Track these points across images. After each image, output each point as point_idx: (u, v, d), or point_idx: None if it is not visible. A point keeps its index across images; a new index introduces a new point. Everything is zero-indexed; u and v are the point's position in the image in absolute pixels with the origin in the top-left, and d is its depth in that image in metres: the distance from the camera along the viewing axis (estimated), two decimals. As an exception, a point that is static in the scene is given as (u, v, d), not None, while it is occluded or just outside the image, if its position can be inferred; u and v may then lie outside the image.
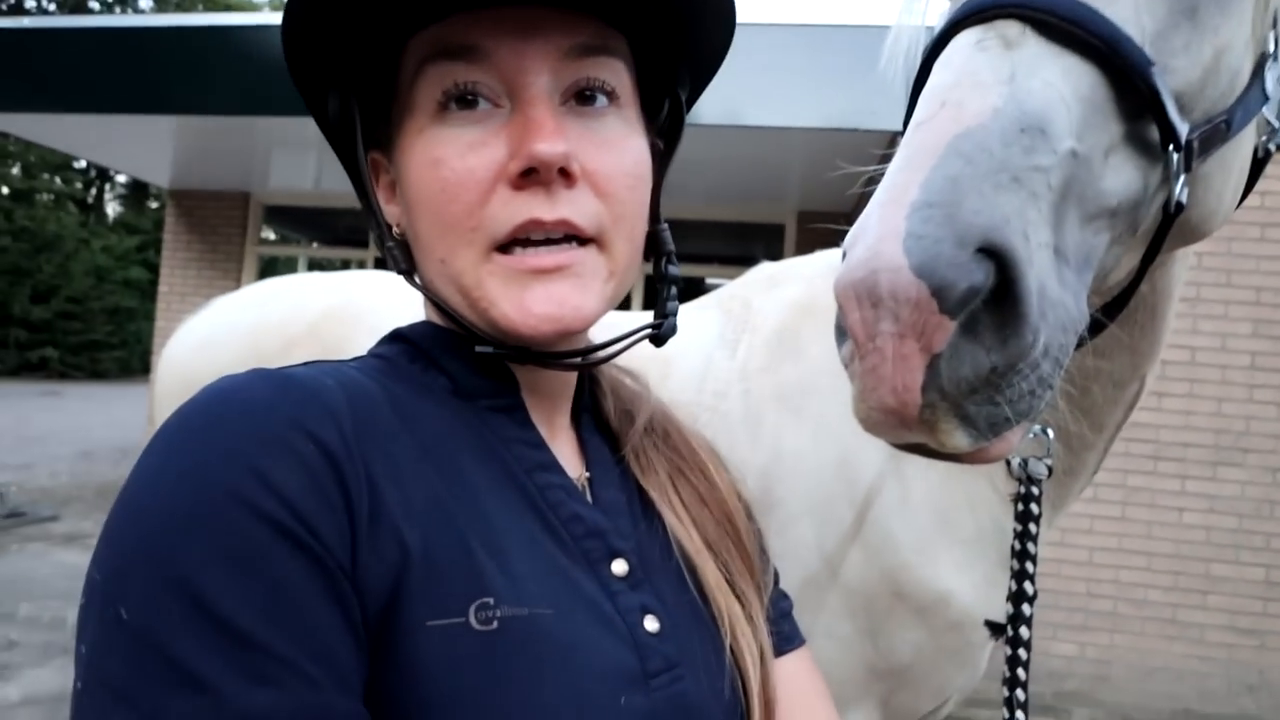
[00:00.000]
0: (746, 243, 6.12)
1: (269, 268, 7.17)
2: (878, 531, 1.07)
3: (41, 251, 21.37)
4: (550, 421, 0.52)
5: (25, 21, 4.93)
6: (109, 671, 0.32)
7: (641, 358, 1.33)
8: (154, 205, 27.05)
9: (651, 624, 0.46)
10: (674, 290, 0.54)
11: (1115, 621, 3.42)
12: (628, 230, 0.48)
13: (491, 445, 0.47)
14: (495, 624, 0.39)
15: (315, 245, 8.46)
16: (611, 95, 0.47)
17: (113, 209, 29.41)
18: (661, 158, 0.53)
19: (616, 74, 0.47)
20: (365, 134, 0.50)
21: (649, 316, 0.55)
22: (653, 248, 0.53)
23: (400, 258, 0.49)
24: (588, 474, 0.52)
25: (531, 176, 0.43)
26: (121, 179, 27.82)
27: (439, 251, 0.45)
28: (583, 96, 0.46)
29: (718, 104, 3.90)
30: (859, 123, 3.67)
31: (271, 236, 6.47)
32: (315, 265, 7.38)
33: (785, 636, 0.58)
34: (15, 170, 24.75)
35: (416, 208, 0.46)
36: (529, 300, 0.44)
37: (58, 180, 26.43)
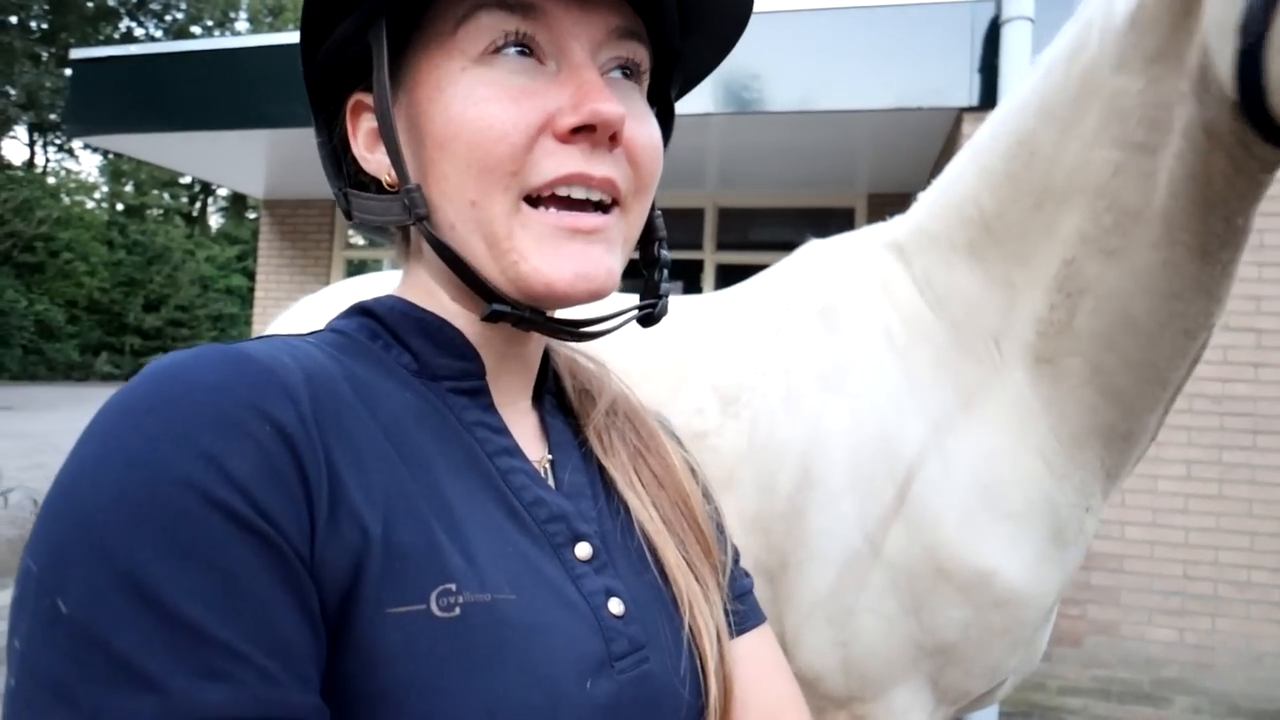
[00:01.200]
0: (818, 228, 6.04)
1: (357, 271, 7.51)
2: (920, 507, 1.06)
3: (152, 263, 22.91)
4: (513, 404, 0.51)
5: (134, 49, 5.29)
6: (46, 668, 0.30)
7: (688, 340, 1.36)
8: (251, 216, 28.53)
9: (616, 607, 0.45)
10: (665, 273, 0.53)
11: (1216, 605, 3.26)
12: (644, 201, 0.48)
13: (454, 428, 0.45)
14: (458, 610, 0.38)
15: (398, 248, 8.69)
16: (639, 77, 0.47)
17: (215, 221, 31.17)
18: None
19: (644, 59, 0.48)
20: (360, 72, 0.47)
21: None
22: (647, 230, 0.52)
23: (420, 201, 0.45)
24: (550, 457, 0.51)
25: (582, 134, 0.42)
26: (222, 192, 29.46)
27: (470, 193, 0.43)
28: (620, 71, 0.46)
29: (787, 91, 3.89)
30: (924, 102, 3.60)
31: (359, 241, 6.78)
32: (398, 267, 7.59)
33: (746, 615, 0.57)
34: (129, 188, 26.60)
35: (449, 145, 0.43)
36: (564, 258, 0.43)
37: (166, 196, 28.22)
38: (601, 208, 0.45)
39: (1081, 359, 1.02)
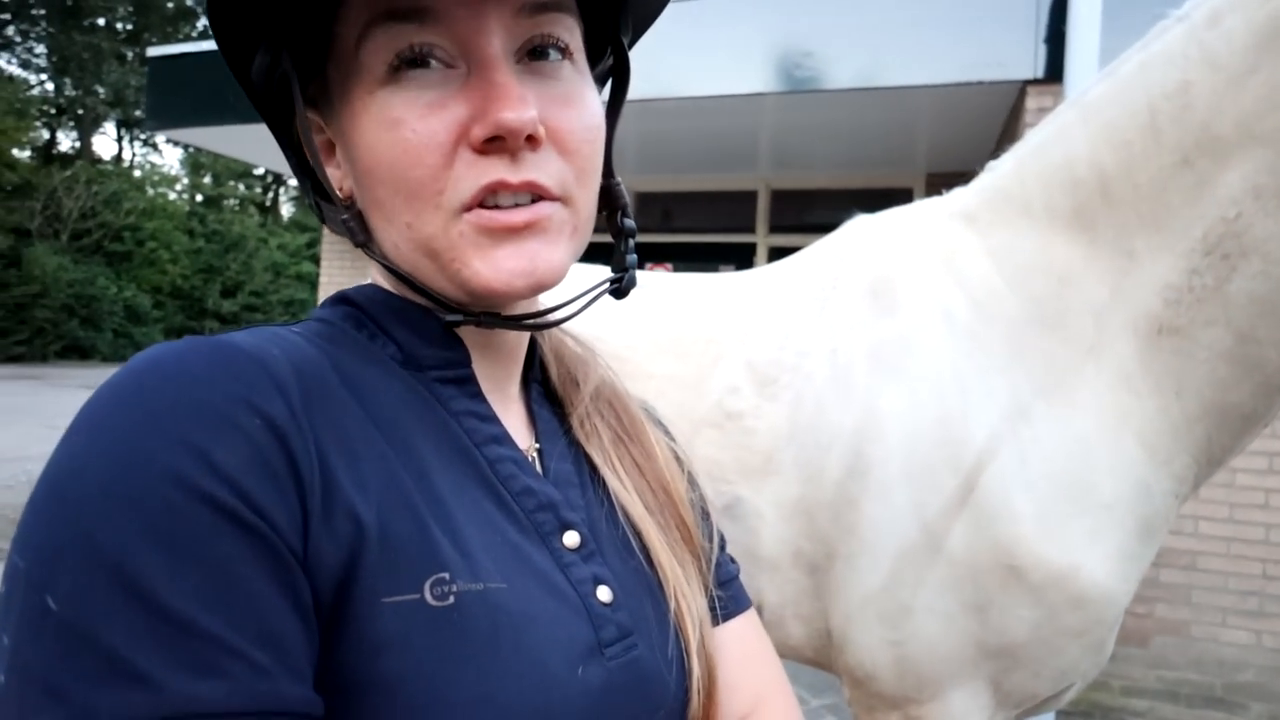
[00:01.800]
0: (874, 209, 5.89)
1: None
2: (990, 499, 0.99)
3: (229, 251, 23.95)
4: (501, 391, 0.51)
5: (207, 45, 5.49)
6: (35, 665, 0.30)
7: (722, 317, 1.31)
8: (320, 205, 29.35)
9: (604, 594, 0.46)
10: (631, 243, 0.52)
11: (1298, 608, 3.07)
12: (589, 186, 0.47)
13: (442, 418, 0.45)
14: (451, 599, 0.38)
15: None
16: (565, 50, 0.45)
17: (286, 210, 32.37)
18: (610, 108, 0.51)
19: (568, 29, 0.45)
20: (291, 98, 0.46)
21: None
22: (607, 201, 0.51)
23: (357, 229, 0.46)
24: (537, 445, 0.51)
25: (496, 143, 0.41)
26: (292, 182, 30.44)
27: (405, 216, 0.43)
28: (537, 53, 0.44)
29: (843, 68, 3.78)
30: (986, 75, 3.44)
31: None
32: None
33: (731, 601, 0.58)
34: (207, 180, 27.83)
35: (374, 173, 0.43)
36: (501, 258, 0.43)
37: (241, 187, 29.50)
38: (544, 199, 0.44)
39: (1224, 328, 0.95)
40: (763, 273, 1.35)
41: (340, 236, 0.50)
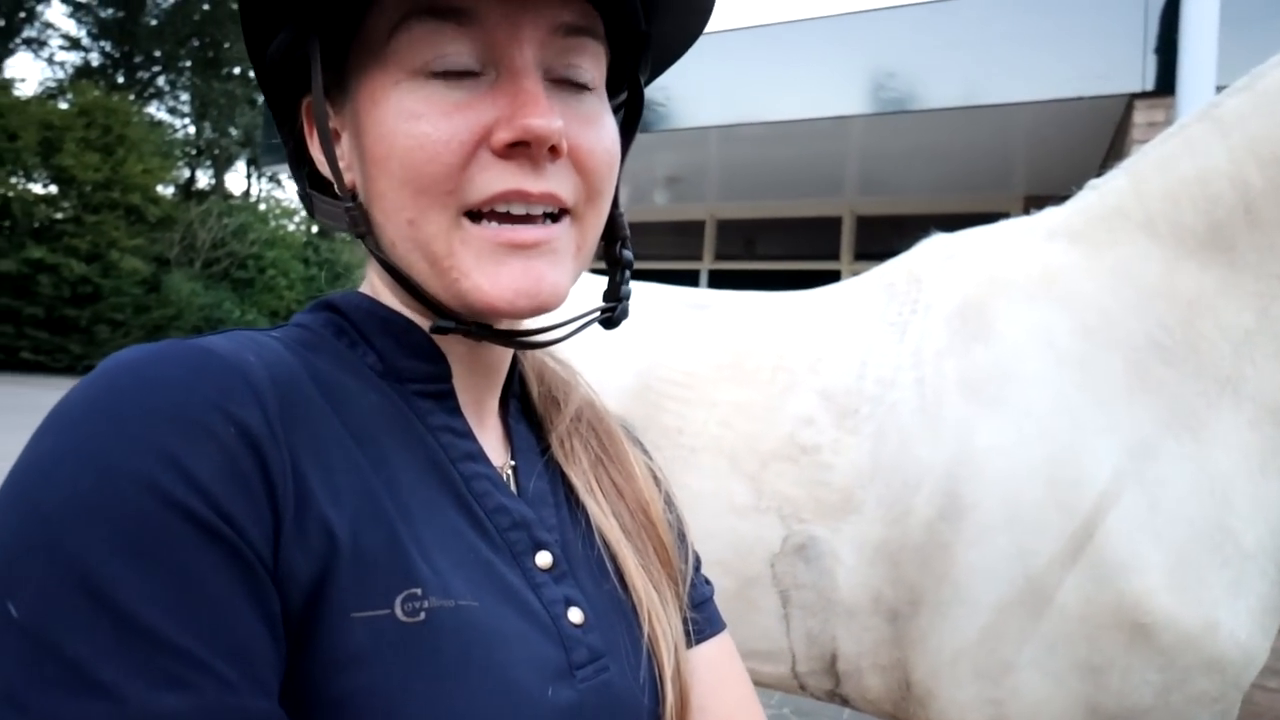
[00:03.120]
0: (970, 235, 5.65)
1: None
2: (1113, 548, 0.90)
3: (339, 278, 25.53)
4: (479, 406, 0.51)
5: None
6: None
7: (785, 341, 1.26)
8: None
9: (575, 616, 0.45)
10: (627, 274, 0.53)
11: None
12: (599, 208, 0.47)
13: (418, 432, 0.45)
14: (423, 615, 0.37)
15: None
16: (590, 79, 0.46)
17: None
18: (621, 141, 0.51)
19: (595, 56, 0.46)
20: (303, 82, 0.47)
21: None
22: (609, 230, 0.51)
23: (359, 219, 0.45)
24: (513, 463, 0.51)
25: (519, 149, 0.41)
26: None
27: (408, 212, 0.43)
28: (566, 75, 0.44)
29: (934, 87, 3.65)
30: (1089, 89, 3.23)
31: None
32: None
33: (705, 623, 0.57)
34: (322, 213, 29.94)
35: (384, 163, 0.42)
36: (505, 275, 0.42)
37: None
38: (550, 217, 0.44)
39: None
40: (828, 294, 1.29)
41: (332, 229, 0.49)
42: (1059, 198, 1.18)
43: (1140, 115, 3.18)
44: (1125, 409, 0.95)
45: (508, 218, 0.43)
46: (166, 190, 23.30)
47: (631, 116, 0.53)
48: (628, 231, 0.53)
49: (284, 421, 0.36)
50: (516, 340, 0.48)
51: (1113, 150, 3.72)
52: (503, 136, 0.41)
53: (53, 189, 18.78)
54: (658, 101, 4.51)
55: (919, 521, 1.00)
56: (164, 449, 0.32)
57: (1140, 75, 3.19)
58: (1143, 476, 0.91)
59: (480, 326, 0.46)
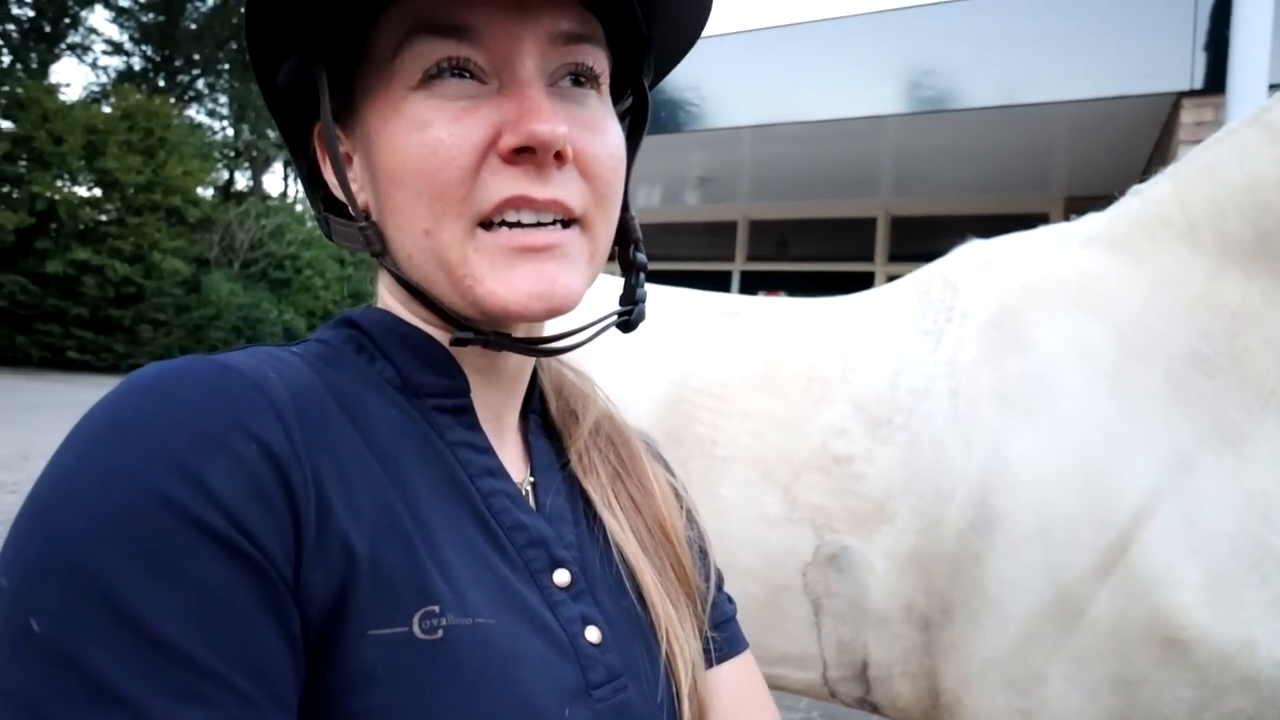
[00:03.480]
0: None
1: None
2: (1148, 563, 0.89)
3: (373, 279, 26.00)
4: (499, 421, 0.51)
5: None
6: (17, 686, 0.29)
7: (817, 350, 1.24)
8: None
9: (593, 635, 0.45)
10: (642, 277, 0.53)
11: None
12: (608, 213, 0.47)
13: (437, 447, 0.45)
14: (440, 633, 0.37)
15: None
16: (594, 80, 0.46)
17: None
18: (629, 145, 0.51)
19: (598, 62, 0.46)
20: (313, 108, 0.48)
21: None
22: (622, 234, 0.51)
23: (374, 238, 0.46)
24: (532, 479, 0.51)
25: (525, 155, 0.42)
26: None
27: (424, 222, 0.43)
28: (568, 79, 0.45)
29: (974, 86, 3.59)
30: (1135, 88, 3.15)
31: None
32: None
33: (727, 643, 0.57)
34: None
35: (398, 175, 0.43)
36: (518, 278, 0.43)
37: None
38: (560, 224, 0.45)
39: None
40: (861, 301, 1.28)
41: (349, 250, 0.50)
42: (1101, 198, 1.16)
43: (1188, 114, 3.09)
44: (1163, 421, 0.93)
45: (518, 225, 0.43)
46: (206, 192, 23.81)
47: (638, 120, 0.53)
48: (640, 234, 0.53)
49: (305, 438, 0.37)
50: (535, 348, 0.48)
51: (1158, 150, 3.63)
52: (509, 141, 0.41)
53: (97, 192, 19.28)
54: (690, 102, 4.49)
55: (951, 531, 1.00)
56: (185, 466, 0.32)
57: (1189, 73, 3.11)
58: (1180, 491, 0.90)
59: (498, 335, 0.46)
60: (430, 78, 0.42)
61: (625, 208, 0.51)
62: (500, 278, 0.43)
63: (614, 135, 0.47)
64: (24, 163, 17.99)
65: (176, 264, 19.46)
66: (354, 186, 0.47)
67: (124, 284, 18.70)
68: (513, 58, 0.43)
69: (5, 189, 17.76)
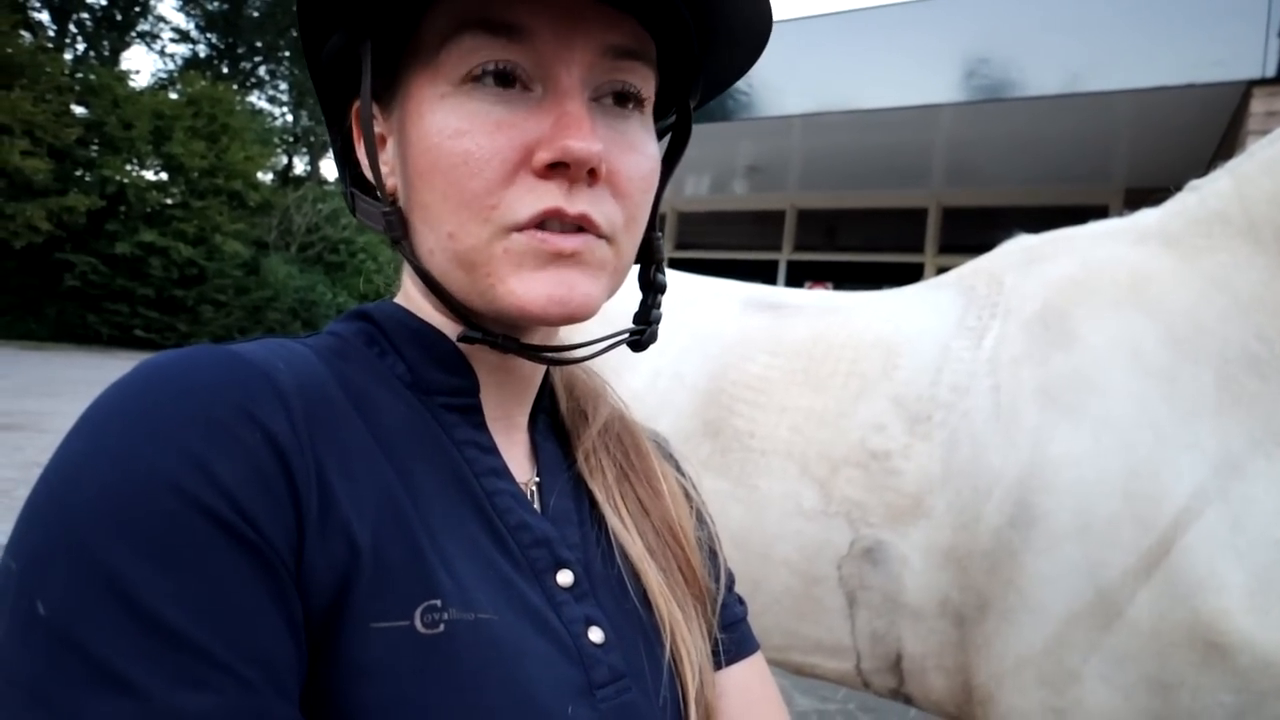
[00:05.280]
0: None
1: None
2: (1191, 565, 0.88)
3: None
4: (508, 421, 0.51)
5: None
6: (22, 669, 0.30)
7: (859, 346, 1.23)
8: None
9: (596, 635, 0.45)
10: (659, 299, 0.53)
11: None
12: (634, 233, 0.47)
13: (443, 444, 0.45)
14: (442, 627, 0.37)
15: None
16: (638, 101, 0.45)
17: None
18: (665, 165, 0.51)
19: (645, 80, 0.46)
20: (354, 84, 0.47)
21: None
22: (644, 254, 0.51)
23: (396, 224, 0.46)
24: (537, 479, 0.51)
25: (559, 169, 0.41)
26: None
27: (449, 225, 0.43)
28: (613, 97, 0.45)
29: (1032, 74, 3.50)
30: (1202, 76, 3.03)
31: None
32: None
33: (736, 644, 0.56)
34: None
35: (428, 176, 0.43)
36: (540, 281, 0.42)
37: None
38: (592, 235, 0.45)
39: None
40: (905, 295, 1.27)
41: (369, 229, 0.51)
42: (1164, 191, 1.12)
43: (1259, 104, 2.96)
44: (1213, 423, 0.92)
45: (546, 229, 0.43)
46: (265, 177, 24.43)
47: (678, 139, 0.53)
48: (663, 255, 0.53)
49: (310, 429, 0.37)
50: (542, 355, 0.48)
51: (1226, 141, 3.49)
52: (543, 157, 0.41)
53: (163, 176, 19.95)
54: (740, 90, 4.46)
55: (988, 528, 0.99)
56: (190, 451, 0.33)
57: (1260, 61, 2.98)
58: (1227, 494, 0.88)
59: (507, 339, 0.46)
60: (474, 79, 0.42)
61: (651, 227, 0.51)
62: (523, 279, 0.42)
63: (650, 156, 0.46)
64: (96, 147, 18.69)
65: (237, 246, 20.02)
66: (385, 169, 0.47)
67: (187, 265, 19.31)
68: (559, 64, 0.42)
69: (79, 173, 18.48)
